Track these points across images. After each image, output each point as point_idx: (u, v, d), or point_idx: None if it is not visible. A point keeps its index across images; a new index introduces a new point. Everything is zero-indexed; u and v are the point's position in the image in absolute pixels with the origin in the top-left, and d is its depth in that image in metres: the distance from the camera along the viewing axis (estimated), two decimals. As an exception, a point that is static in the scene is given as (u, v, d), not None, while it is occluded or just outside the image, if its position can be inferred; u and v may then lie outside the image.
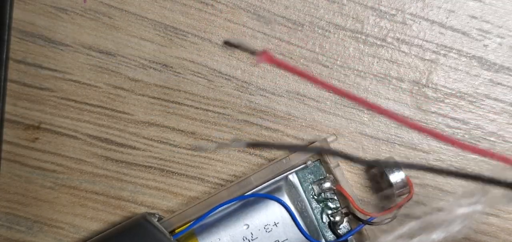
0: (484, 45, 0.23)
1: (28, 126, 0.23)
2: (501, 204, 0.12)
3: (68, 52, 0.23)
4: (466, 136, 0.23)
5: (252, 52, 0.13)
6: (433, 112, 0.23)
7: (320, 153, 0.22)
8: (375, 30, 0.23)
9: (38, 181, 0.23)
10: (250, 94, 0.24)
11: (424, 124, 0.23)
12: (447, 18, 0.23)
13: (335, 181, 0.22)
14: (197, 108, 0.24)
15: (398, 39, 0.23)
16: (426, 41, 0.23)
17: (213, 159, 0.24)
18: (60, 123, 0.23)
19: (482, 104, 0.23)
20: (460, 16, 0.23)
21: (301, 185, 0.23)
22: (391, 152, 0.23)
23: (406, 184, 0.22)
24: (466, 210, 0.12)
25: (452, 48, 0.23)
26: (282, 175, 0.22)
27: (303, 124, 0.24)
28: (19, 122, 0.23)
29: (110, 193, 0.24)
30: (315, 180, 0.23)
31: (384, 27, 0.23)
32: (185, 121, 0.24)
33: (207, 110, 0.24)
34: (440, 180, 0.23)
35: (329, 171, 0.23)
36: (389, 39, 0.23)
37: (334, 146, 0.23)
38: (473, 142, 0.23)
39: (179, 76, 0.23)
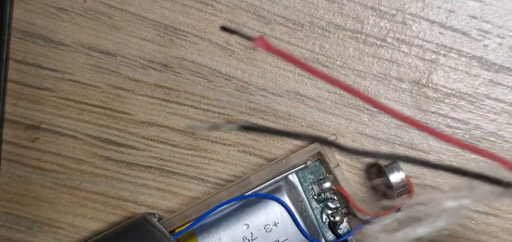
0: (484, 45, 0.23)
1: (28, 126, 0.23)
2: (489, 200, 0.12)
3: (68, 52, 0.23)
4: (466, 136, 0.23)
5: (249, 39, 0.13)
6: (433, 113, 0.23)
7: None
8: (375, 30, 0.23)
9: (38, 181, 0.23)
10: (250, 94, 0.23)
11: (425, 123, 0.23)
12: (447, 18, 0.23)
13: (335, 181, 0.22)
14: (197, 108, 0.24)
15: (398, 39, 0.23)
16: (426, 41, 0.23)
17: (213, 159, 0.24)
18: (60, 123, 0.23)
19: (482, 104, 0.23)
20: (460, 16, 0.23)
21: (301, 185, 0.23)
22: (391, 152, 0.23)
23: (406, 184, 0.21)
24: (453, 204, 0.12)
25: (452, 48, 0.23)
26: (282, 175, 0.22)
27: (303, 124, 0.24)
28: (19, 121, 0.23)
29: (110, 193, 0.24)
30: (315, 180, 0.23)
31: (384, 27, 0.23)
32: (185, 120, 0.24)
33: (207, 110, 0.24)
34: (440, 180, 0.23)
35: (329, 171, 0.23)
36: (389, 39, 0.23)
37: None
38: (473, 141, 0.23)
39: (179, 76, 0.23)
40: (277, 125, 0.24)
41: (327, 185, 0.22)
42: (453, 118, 0.23)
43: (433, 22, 0.23)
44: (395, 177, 0.22)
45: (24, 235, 0.23)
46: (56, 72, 0.23)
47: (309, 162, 0.23)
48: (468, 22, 0.23)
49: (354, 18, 0.23)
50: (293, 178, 0.23)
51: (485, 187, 0.12)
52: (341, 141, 0.23)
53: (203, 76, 0.23)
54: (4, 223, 0.23)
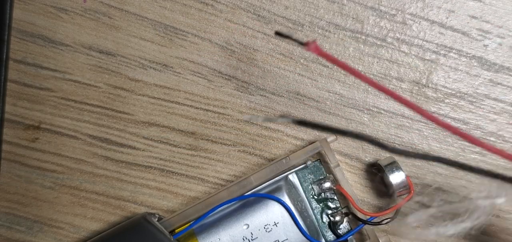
0: (484, 45, 0.23)
1: (28, 126, 0.23)
2: None
3: (68, 52, 0.23)
4: (466, 136, 0.23)
5: (302, 44, 0.14)
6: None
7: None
8: (375, 30, 0.23)
9: (38, 181, 0.23)
10: (250, 94, 0.23)
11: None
12: (447, 18, 0.23)
13: (335, 181, 0.22)
14: (197, 108, 0.24)
15: (398, 39, 0.23)
16: (426, 41, 0.23)
17: (213, 159, 0.24)
18: (60, 123, 0.23)
19: (482, 104, 0.23)
20: (460, 16, 0.23)
21: (301, 185, 0.23)
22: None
23: (406, 184, 0.21)
24: (486, 203, 0.12)
25: (452, 48, 0.23)
26: (282, 175, 0.22)
27: (303, 124, 0.23)
28: (19, 122, 0.23)
29: (110, 193, 0.24)
30: (315, 180, 0.23)
31: (384, 27, 0.23)
32: (185, 120, 0.24)
33: (207, 110, 0.24)
34: (440, 180, 0.23)
35: (329, 170, 0.23)
36: (389, 39, 0.23)
37: (334, 146, 0.23)
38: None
39: (179, 76, 0.23)
40: (277, 125, 0.23)
41: (327, 185, 0.22)
42: (453, 119, 0.23)
43: (433, 22, 0.23)
44: (395, 177, 0.22)
45: (24, 235, 0.23)
46: (56, 72, 0.23)
47: (309, 162, 0.22)
48: (468, 22, 0.23)
49: (354, 18, 0.23)
50: (293, 178, 0.23)
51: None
52: (341, 141, 0.23)
53: (203, 76, 0.23)
54: (4, 223, 0.23)
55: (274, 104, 0.23)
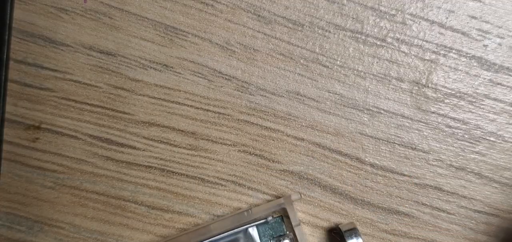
0: (484, 45, 0.23)
1: (28, 126, 0.23)
2: None
3: (68, 52, 0.23)
4: (466, 136, 0.23)
5: None
6: (433, 113, 0.23)
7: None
8: (375, 30, 0.23)
9: (39, 181, 0.23)
10: (250, 94, 0.23)
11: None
12: (447, 18, 0.23)
13: (294, 240, 0.22)
14: (197, 108, 0.23)
15: (398, 39, 0.23)
16: (426, 41, 0.23)
17: (213, 159, 0.24)
18: (60, 123, 0.23)
19: (482, 104, 0.23)
20: (460, 16, 0.23)
21: (260, 239, 0.22)
22: (391, 152, 0.23)
23: None
24: None
25: (452, 48, 0.23)
26: (242, 227, 0.22)
27: (303, 124, 0.23)
28: (19, 122, 0.23)
29: (111, 193, 0.23)
30: (274, 236, 0.22)
31: (384, 28, 0.23)
32: (185, 120, 0.24)
33: (207, 110, 0.23)
34: (440, 180, 0.23)
35: (290, 228, 0.22)
36: (389, 40, 0.23)
37: (298, 207, 0.23)
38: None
39: (179, 76, 0.23)
40: (277, 125, 0.23)
41: (285, 242, 0.22)
42: (453, 118, 0.23)
43: (433, 22, 0.23)
44: None
45: (24, 235, 0.23)
46: (57, 72, 0.23)
47: (269, 218, 0.22)
48: (467, 22, 0.23)
49: (354, 18, 0.23)
50: (253, 231, 0.23)
51: None
52: (341, 141, 0.23)
53: (203, 76, 0.23)
54: (4, 223, 0.23)
55: (274, 104, 0.23)
